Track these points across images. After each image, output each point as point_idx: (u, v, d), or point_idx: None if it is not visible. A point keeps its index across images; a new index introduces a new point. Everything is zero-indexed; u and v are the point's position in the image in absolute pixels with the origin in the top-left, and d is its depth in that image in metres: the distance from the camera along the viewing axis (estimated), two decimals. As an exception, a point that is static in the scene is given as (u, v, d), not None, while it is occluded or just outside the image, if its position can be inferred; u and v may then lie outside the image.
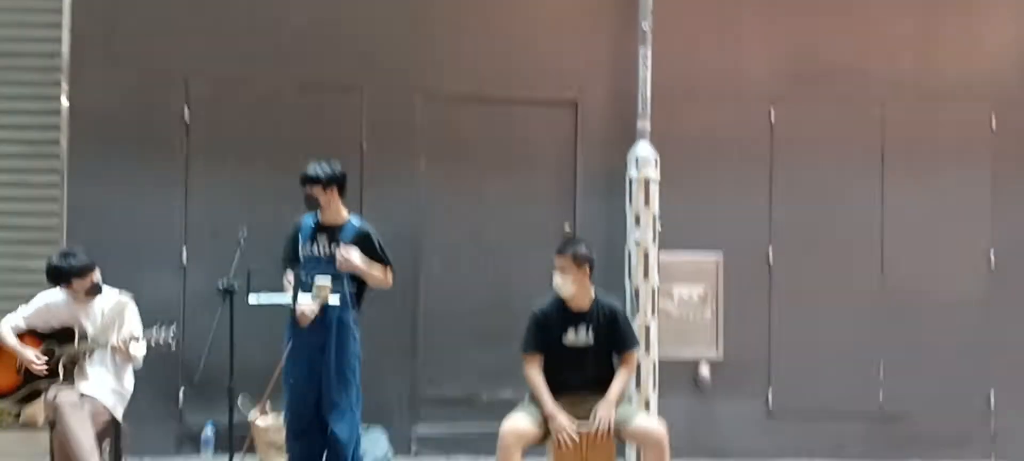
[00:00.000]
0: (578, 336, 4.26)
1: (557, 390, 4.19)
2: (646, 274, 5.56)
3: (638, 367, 5.33)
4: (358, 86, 5.77)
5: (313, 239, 4.58)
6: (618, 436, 4.17)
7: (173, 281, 5.61)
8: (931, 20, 6.16)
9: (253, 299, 4.32)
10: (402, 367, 5.78)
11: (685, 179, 5.79)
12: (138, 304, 4.61)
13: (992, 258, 6.10)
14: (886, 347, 6.02)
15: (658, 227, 5.61)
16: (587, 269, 4.27)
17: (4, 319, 4.48)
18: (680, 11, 5.87)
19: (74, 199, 5.61)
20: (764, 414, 5.99)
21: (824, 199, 6.01)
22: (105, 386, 4.42)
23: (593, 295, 4.31)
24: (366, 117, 5.79)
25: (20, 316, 4.49)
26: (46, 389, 4.31)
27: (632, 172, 5.61)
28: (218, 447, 5.53)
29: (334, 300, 4.41)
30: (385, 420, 5.54)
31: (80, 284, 4.39)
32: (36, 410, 4.37)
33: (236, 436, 4.49)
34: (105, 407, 4.37)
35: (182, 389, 5.60)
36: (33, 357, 4.33)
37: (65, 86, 5.65)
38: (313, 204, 4.57)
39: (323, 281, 4.37)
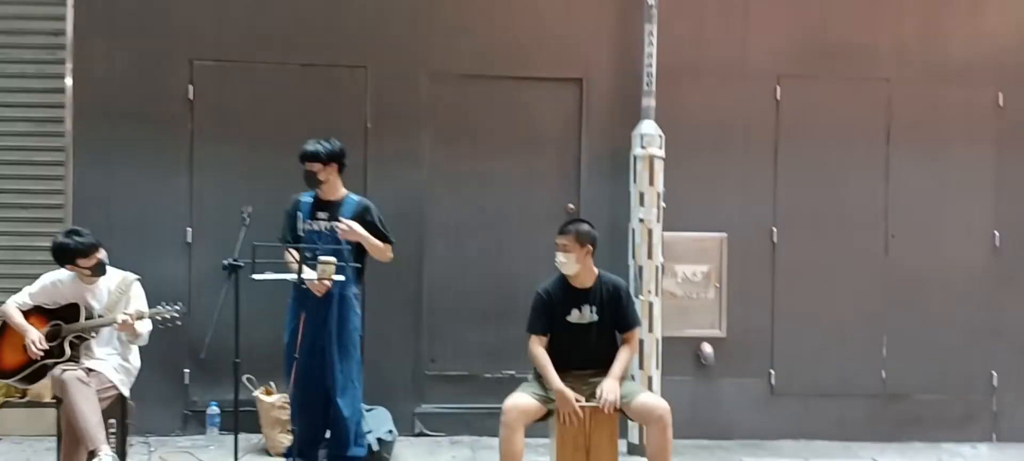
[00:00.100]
0: (582, 314, 4.29)
1: (561, 368, 4.22)
2: (650, 253, 5.56)
3: (641, 345, 5.35)
4: (362, 65, 5.76)
5: (313, 215, 4.65)
6: (621, 413, 4.19)
7: (178, 260, 5.63)
8: (938, -1, 6.13)
9: (258, 277, 4.35)
10: (406, 346, 5.81)
11: (690, 157, 5.77)
12: (144, 283, 4.63)
13: (996, 238, 6.09)
14: (889, 327, 6.03)
15: (662, 205, 5.60)
16: (590, 248, 4.28)
17: (11, 299, 4.50)
18: (686, -12, 5.85)
19: (79, 178, 5.63)
20: (767, 393, 6.00)
21: (829, 178, 6.00)
22: (111, 363, 4.45)
23: (596, 273, 4.33)
24: (371, 96, 5.78)
25: (26, 294, 4.51)
26: (53, 366, 4.33)
27: (637, 150, 5.59)
28: (224, 425, 5.58)
29: (339, 277, 4.47)
30: (389, 399, 5.56)
31: (85, 263, 4.40)
32: (43, 387, 4.40)
33: (241, 413, 4.51)
34: (112, 384, 4.40)
35: (188, 367, 5.64)
36: (35, 340, 4.35)
37: (69, 65, 5.64)
38: (313, 181, 4.63)
39: (328, 258, 4.42)
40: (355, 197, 4.76)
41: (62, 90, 5.64)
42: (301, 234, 4.70)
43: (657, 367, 5.56)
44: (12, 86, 5.66)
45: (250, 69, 5.69)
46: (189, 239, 5.68)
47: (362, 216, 4.66)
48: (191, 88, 5.68)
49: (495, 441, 4.18)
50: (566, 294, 4.30)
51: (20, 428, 5.42)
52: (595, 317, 4.29)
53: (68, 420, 4.19)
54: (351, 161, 4.89)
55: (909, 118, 6.04)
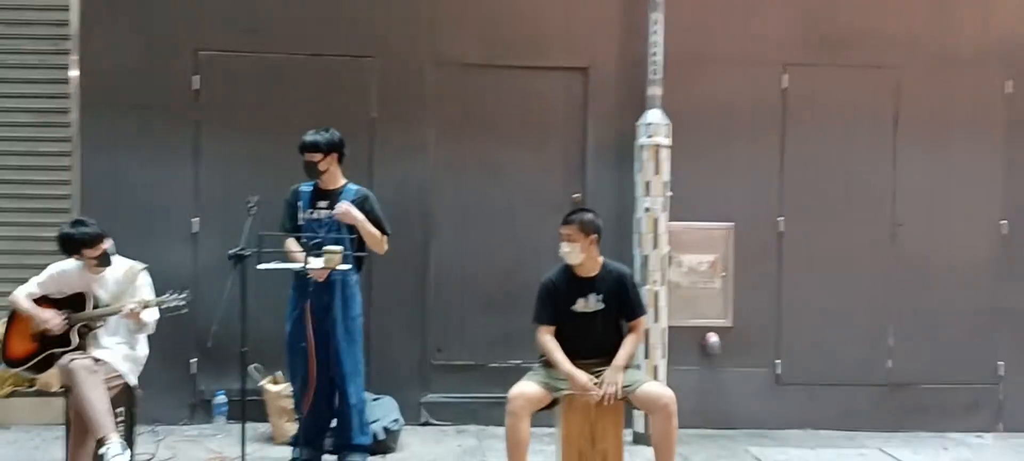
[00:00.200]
0: (588, 303, 4.29)
1: (568, 357, 4.21)
2: (656, 242, 5.55)
3: (647, 334, 5.35)
4: (368, 55, 5.76)
5: (313, 204, 4.68)
6: (626, 401, 4.19)
7: (184, 249, 5.65)
8: (947, -15, 6.09)
9: (263, 267, 4.36)
10: (412, 335, 5.82)
11: (696, 146, 5.76)
12: (150, 273, 4.64)
13: (1004, 227, 6.07)
14: (895, 316, 6.01)
15: (668, 194, 5.59)
16: (594, 237, 4.27)
17: (18, 289, 4.51)
18: (692, -25, 5.82)
19: (85, 168, 5.65)
20: (773, 382, 6.00)
21: (836, 166, 5.97)
22: (119, 352, 4.46)
23: (601, 262, 4.33)
24: (376, 86, 5.77)
25: (34, 283, 4.53)
26: (61, 355, 4.35)
27: (643, 139, 5.58)
28: (230, 414, 5.61)
29: (345, 266, 4.48)
30: (395, 388, 5.58)
31: (91, 252, 4.40)
32: (51, 376, 4.41)
33: (248, 402, 4.52)
34: (119, 373, 4.41)
35: (195, 356, 5.66)
36: (49, 317, 4.36)
37: (75, 55, 5.65)
38: (313, 171, 4.65)
39: (334, 247, 4.43)
40: (355, 186, 4.77)
41: (68, 81, 5.65)
42: (301, 223, 4.71)
43: (663, 356, 5.55)
44: (18, 77, 5.68)
45: (256, 59, 5.70)
46: (195, 229, 5.69)
47: (361, 205, 4.67)
48: (197, 79, 5.69)
49: (501, 431, 4.18)
50: (571, 284, 4.30)
51: (29, 417, 5.46)
52: (601, 306, 4.29)
53: (76, 409, 4.21)
54: (357, 151, 4.90)
55: (917, 106, 6.01)
